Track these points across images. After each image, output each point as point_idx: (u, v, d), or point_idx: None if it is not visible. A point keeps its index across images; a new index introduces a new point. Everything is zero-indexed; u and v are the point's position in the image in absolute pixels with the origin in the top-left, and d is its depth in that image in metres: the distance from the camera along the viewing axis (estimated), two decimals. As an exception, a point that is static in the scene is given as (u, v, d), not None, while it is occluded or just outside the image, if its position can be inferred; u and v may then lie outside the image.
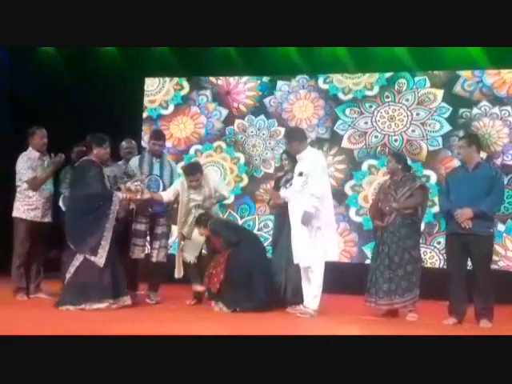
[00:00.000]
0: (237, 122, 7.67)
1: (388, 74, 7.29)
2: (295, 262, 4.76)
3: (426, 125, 7.09)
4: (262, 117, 7.59)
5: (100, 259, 4.40)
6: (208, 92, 7.82)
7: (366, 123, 7.28)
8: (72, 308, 4.36)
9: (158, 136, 5.38)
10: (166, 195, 5.07)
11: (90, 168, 4.57)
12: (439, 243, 6.70)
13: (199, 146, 7.76)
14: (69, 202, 4.73)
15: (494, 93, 6.90)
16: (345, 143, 7.29)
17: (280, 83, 7.60)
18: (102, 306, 4.42)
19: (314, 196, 4.60)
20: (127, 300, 4.61)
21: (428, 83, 7.14)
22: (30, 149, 5.13)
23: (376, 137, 7.24)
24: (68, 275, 4.45)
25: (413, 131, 7.14)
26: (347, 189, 7.22)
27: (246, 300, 4.78)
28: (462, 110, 6.98)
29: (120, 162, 5.43)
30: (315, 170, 4.71)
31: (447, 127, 7.01)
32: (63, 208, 5.12)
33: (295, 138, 4.88)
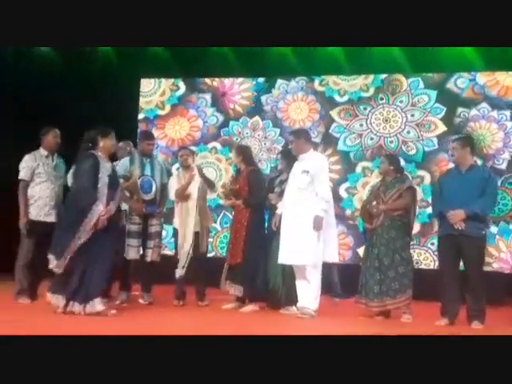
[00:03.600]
0: (231, 123, 7.71)
1: (383, 76, 7.32)
2: (281, 261, 4.74)
3: (421, 126, 7.12)
4: (257, 118, 7.62)
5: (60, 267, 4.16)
6: (208, 96, 7.83)
7: (362, 125, 7.30)
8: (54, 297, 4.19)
9: (151, 136, 5.43)
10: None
11: (87, 160, 4.29)
12: (433, 244, 6.73)
13: (193, 148, 7.77)
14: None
15: (485, 92, 6.94)
16: (340, 145, 7.32)
17: (279, 82, 7.62)
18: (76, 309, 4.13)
19: (324, 199, 4.62)
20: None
21: (422, 84, 7.17)
22: (40, 148, 5.08)
23: (371, 139, 7.27)
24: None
25: (408, 133, 7.17)
26: (342, 191, 7.26)
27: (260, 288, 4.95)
28: (460, 110, 7.00)
29: (115, 163, 5.44)
30: (322, 171, 4.72)
31: (442, 128, 7.05)
32: None
33: (301, 137, 4.88)
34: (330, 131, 7.37)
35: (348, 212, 7.18)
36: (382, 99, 7.29)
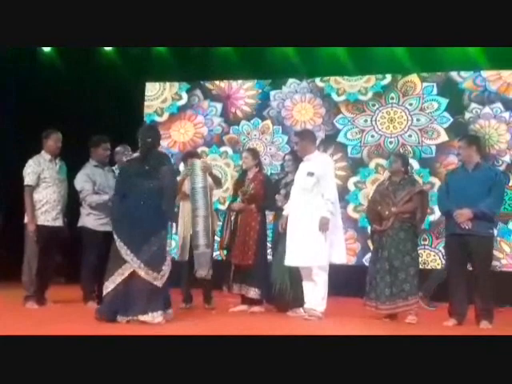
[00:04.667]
0: (242, 123, 7.73)
1: (387, 80, 7.31)
2: (287, 263, 4.73)
3: (424, 132, 7.08)
4: (268, 122, 7.64)
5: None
6: (219, 106, 7.83)
7: (366, 121, 7.29)
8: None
9: None
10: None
11: (169, 160, 4.25)
12: (425, 240, 6.82)
13: (205, 148, 7.78)
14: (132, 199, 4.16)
15: (486, 86, 6.91)
16: (341, 137, 7.33)
17: (273, 93, 7.63)
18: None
19: (330, 201, 4.62)
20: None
21: (435, 90, 7.10)
22: (42, 151, 5.06)
23: (372, 136, 7.26)
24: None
25: (409, 136, 7.14)
26: (350, 184, 7.27)
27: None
28: (473, 106, 6.97)
29: (114, 167, 5.45)
30: (327, 173, 4.73)
31: (444, 137, 7.01)
32: None
33: (305, 138, 4.88)
34: (335, 122, 7.38)
35: (351, 206, 7.18)
36: (392, 98, 7.27)
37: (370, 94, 7.34)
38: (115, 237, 4.11)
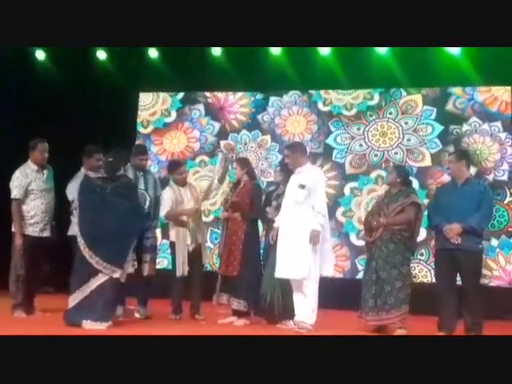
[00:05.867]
0: (242, 132, 7.71)
1: (372, 102, 7.33)
2: (278, 275, 4.72)
3: (411, 152, 7.10)
4: (267, 137, 7.61)
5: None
6: (201, 106, 7.85)
7: (359, 129, 7.30)
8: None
9: (144, 151, 5.42)
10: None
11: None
12: (422, 255, 6.80)
13: (206, 157, 7.77)
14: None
15: (485, 109, 6.94)
16: (348, 169, 7.28)
17: (272, 99, 7.64)
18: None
19: (320, 213, 4.63)
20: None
21: (434, 115, 7.10)
22: (29, 161, 5.05)
23: (360, 145, 7.27)
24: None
25: (395, 153, 7.15)
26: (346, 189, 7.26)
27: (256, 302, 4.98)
28: (452, 127, 7.01)
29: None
30: (318, 186, 4.74)
31: (428, 162, 7.03)
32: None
33: (297, 151, 4.89)
34: (329, 123, 7.39)
35: (341, 209, 7.18)
36: (391, 113, 7.28)
37: (354, 111, 7.35)
38: (89, 252, 4.32)
